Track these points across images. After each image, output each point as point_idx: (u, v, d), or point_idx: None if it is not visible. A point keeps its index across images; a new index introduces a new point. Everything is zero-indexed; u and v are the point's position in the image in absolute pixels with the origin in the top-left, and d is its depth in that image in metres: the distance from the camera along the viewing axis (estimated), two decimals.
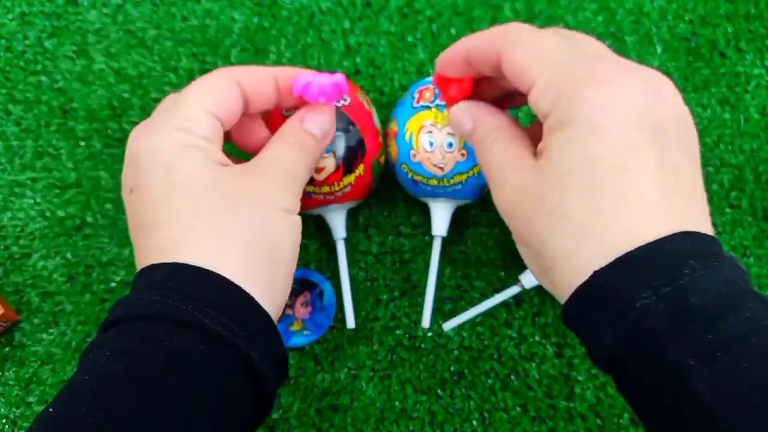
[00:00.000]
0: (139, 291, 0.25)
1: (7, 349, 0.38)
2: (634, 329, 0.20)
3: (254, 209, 0.27)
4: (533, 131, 0.28)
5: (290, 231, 0.28)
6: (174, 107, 0.28)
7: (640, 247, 0.21)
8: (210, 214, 0.26)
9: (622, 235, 0.21)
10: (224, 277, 0.25)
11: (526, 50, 0.24)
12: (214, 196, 0.26)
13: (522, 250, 0.26)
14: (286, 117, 0.33)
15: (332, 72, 0.31)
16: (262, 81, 0.29)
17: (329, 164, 0.34)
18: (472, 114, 0.28)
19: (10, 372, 0.38)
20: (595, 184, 0.22)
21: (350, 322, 0.38)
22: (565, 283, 0.22)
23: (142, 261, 0.26)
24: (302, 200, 0.35)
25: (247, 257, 0.26)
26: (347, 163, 0.34)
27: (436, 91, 0.34)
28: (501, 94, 0.30)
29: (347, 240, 0.40)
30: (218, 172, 0.27)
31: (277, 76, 0.30)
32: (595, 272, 0.21)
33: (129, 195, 0.27)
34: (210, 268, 0.25)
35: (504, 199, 0.25)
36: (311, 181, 0.34)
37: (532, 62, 0.24)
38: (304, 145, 0.30)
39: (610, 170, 0.21)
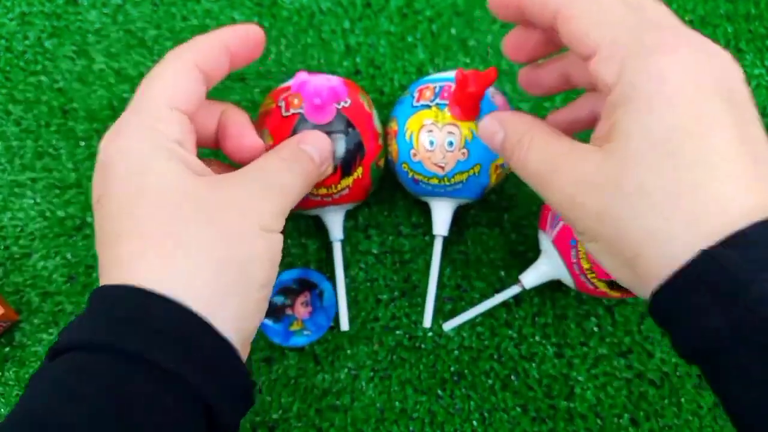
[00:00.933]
0: (92, 314, 0.22)
1: (7, 349, 0.38)
2: (750, 316, 0.18)
3: (228, 224, 0.24)
4: (560, 122, 0.27)
5: (268, 252, 0.25)
6: (140, 106, 0.26)
7: (753, 225, 0.19)
8: (177, 227, 0.23)
9: (718, 210, 0.19)
10: (182, 305, 0.22)
11: (586, 12, 0.22)
12: (184, 205, 0.24)
13: (591, 247, 0.24)
14: (285, 118, 0.34)
15: (332, 74, 0.31)
16: (217, 56, 0.28)
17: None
18: (500, 121, 0.27)
19: (10, 372, 0.38)
20: (679, 157, 0.20)
21: (344, 325, 0.38)
22: (655, 271, 0.20)
23: (102, 276, 0.24)
24: (299, 200, 0.35)
25: (215, 279, 0.23)
26: (345, 166, 0.34)
27: (436, 90, 0.34)
28: (545, 50, 0.29)
29: (347, 240, 0.40)
30: (192, 179, 0.24)
31: (227, 42, 0.28)
32: (704, 252, 0.19)
33: (96, 204, 0.25)
34: (168, 292, 0.22)
35: (563, 195, 0.23)
36: None
37: (593, 26, 0.22)
38: (299, 163, 0.28)
39: (693, 141, 0.20)
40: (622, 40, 0.21)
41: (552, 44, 0.28)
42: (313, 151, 0.29)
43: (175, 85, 0.26)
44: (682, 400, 0.37)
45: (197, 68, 0.27)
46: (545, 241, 0.35)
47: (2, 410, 0.37)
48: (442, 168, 0.34)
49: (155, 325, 0.21)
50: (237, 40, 0.28)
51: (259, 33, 0.30)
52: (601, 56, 0.22)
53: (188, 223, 0.23)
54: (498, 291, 0.38)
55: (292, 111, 0.34)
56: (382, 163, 0.37)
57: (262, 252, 0.25)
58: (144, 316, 0.22)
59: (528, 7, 0.25)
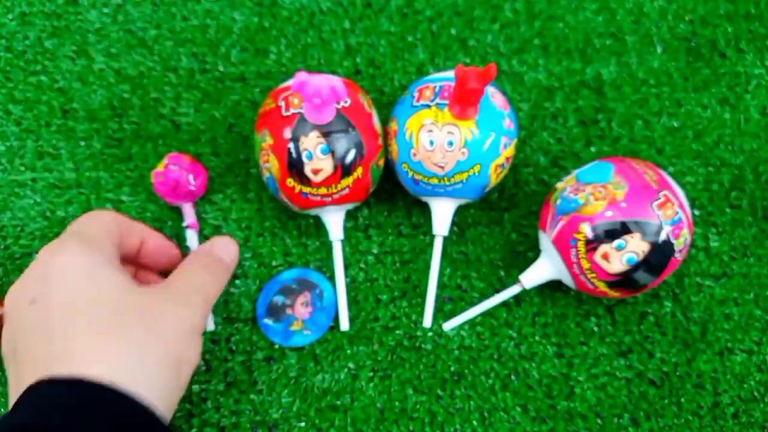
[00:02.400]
0: (50, 401, 0.25)
1: None
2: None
3: (166, 328, 0.28)
4: None
5: (195, 351, 0.30)
6: (80, 233, 0.30)
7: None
8: (124, 330, 0.27)
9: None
10: (118, 390, 0.25)
11: None
12: (128, 312, 0.27)
13: None
14: (285, 118, 0.33)
15: (332, 74, 0.31)
16: (131, 236, 0.33)
17: (327, 166, 0.34)
18: None
19: None
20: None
21: (344, 325, 0.38)
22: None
23: (37, 371, 0.26)
24: (299, 200, 0.35)
25: (157, 374, 0.27)
26: (345, 166, 0.34)
27: (436, 90, 0.34)
28: None
29: (347, 240, 0.40)
30: (130, 289, 0.29)
31: (145, 238, 0.34)
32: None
33: (28, 305, 0.27)
34: (111, 380, 0.25)
35: None
36: (308, 183, 0.34)
37: None
38: (215, 270, 0.33)
39: None
40: None
41: None
42: (225, 256, 0.35)
43: (105, 225, 0.31)
44: (682, 400, 0.37)
45: (116, 231, 0.32)
46: (545, 241, 0.35)
47: (2, 410, 0.37)
48: (442, 168, 0.34)
49: (93, 410, 0.24)
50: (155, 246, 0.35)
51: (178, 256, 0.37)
52: None
53: (132, 327, 0.27)
54: (498, 291, 0.38)
55: (292, 111, 0.34)
56: (382, 163, 0.37)
57: (194, 348, 0.30)
58: (85, 402, 0.24)
59: None
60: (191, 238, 0.39)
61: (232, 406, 0.36)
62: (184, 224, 0.39)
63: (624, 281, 0.33)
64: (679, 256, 0.33)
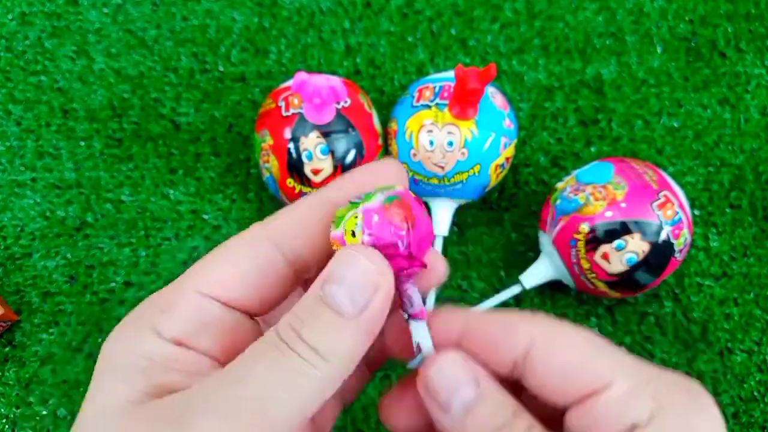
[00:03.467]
0: None
1: (7, 349, 0.38)
2: None
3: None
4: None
5: None
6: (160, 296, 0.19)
7: None
8: None
9: None
10: None
11: (575, 344, 0.18)
12: None
13: None
14: (285, 118, 0.33)
15: (332, 74, 0.31)
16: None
17: (327, 166, 0.34)
18: (477, 377, 0.18)
19: (10, 372, 0.38)
20: None
21: None
22: None
23: None
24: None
25: None
26: (345, 166, 0.34)
27: (436, 90, 0.34)
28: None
29: None
30: (133, 415, 0.17)
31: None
32: None
33: None
34: None
35: None
36: (308, 183, 0.34)
37: (594, 358, 0.18)
38: (303, 369, 0.17)
39: None
40: (639, 378, 0.18)
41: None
42: (345, 298, 0.18)
43: (225, 262, 0.19)
44: None
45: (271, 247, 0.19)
46: (545, 241, 0.35)
47: (2, 410, 0.37)
48: (442, 168, 0.34)
49: None
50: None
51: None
52: (621, 389, 0.17)
53: None
54: (498, 291, 0.38)
55: (292, 111, 0.34)
56: None
57: None
58: None
59: (487, 353, 0.19)
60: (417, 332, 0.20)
61: None
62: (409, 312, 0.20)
63: (624, 281, 0.33)
64: (679, 256, 0.33)
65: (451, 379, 0.18)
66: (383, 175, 0.20)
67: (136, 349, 0.18)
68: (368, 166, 0.20)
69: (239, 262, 0.19)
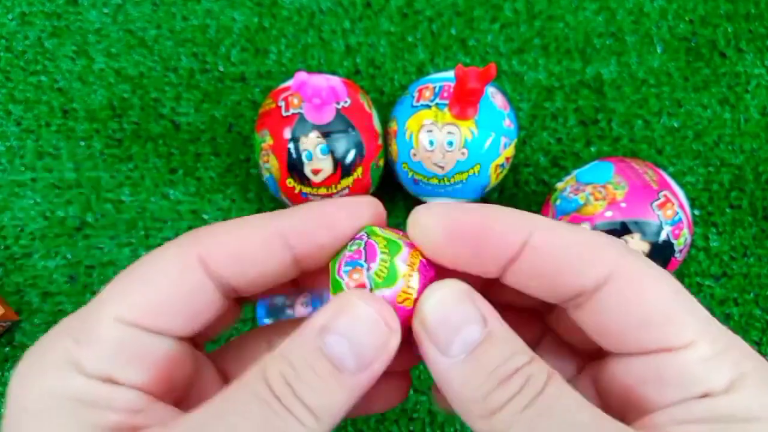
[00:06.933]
0: None
1: (7, 349, 0.38)
2: None
3: None
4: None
5: None
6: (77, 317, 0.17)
7: None
8: None
9: None
10: None
11: (669, 291, 0.16)
12: None
13: None
14: (285, 118, 0.33)
15: (332, 74, 0.31)
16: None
17: (327, 166, 0.34)
18: (484, 314, 0.16)
19: (11, 372, 0.38)
20: None
21: None
22: None
23: None
24: (299, 201, 0.35)
25: None
26: (345, 166, 0.34)
27: (436, 90, 0.34)
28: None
29: None
30: None
31: (285, 231, 0.18)
32: None
33: None
34: None
35: None
36: (308, 183, 0.34)
37: (684, 312, 0.15)
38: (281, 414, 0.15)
39: None
40: (723, 344, 0.16)
41: None
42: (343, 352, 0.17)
43: (151, 280, 0.17)
44: None
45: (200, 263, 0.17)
46: None
47: (2, 410, 0.37)
48: (442, 168, 0.34)
49: None
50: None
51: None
52: (704, 353, 0.15)
53: None
54: None
55: (292, 111, 0.34)
56: (382, 163, 0.37)
57: None
58: None
59: (554, 280, 0.16)
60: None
61: None
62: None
63: None
64: (679, 256, 0.33)
65: (454, 315, 0.16)
66: (351, 214, 0.18)
67: (57, 388, 0.15)
68: (334, 200, 0.18)
69: (162, 285, 0.17)
